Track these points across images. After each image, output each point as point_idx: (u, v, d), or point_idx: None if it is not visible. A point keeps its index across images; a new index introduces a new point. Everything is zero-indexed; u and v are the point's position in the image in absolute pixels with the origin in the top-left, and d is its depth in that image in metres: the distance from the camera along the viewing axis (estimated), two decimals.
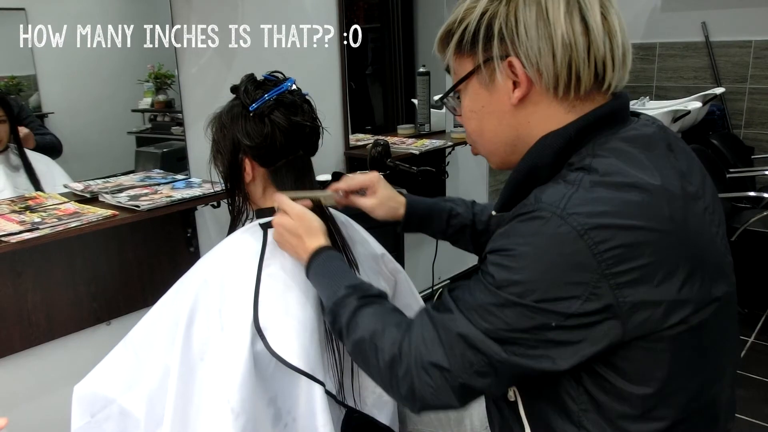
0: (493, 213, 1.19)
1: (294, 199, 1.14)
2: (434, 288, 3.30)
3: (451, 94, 0.95)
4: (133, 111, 2.26)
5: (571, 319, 0.75)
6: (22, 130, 1.94)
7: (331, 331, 1.02)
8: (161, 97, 2.24)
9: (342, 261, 1.09)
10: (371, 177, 1.27)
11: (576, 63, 0.81)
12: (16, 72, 1.93)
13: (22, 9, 1.88)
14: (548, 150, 0.84)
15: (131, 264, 2.07)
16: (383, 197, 1.26)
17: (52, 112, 2.01)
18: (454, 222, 1.29)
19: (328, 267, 1.06)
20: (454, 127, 3.17)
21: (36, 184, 1.95)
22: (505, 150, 0.91)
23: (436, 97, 3.21)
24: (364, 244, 1.35)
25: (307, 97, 1.22)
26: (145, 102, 2.25)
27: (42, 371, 1.93)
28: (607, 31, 0.82)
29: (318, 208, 1.19)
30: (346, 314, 0.97)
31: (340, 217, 1.31)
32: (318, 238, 1.09)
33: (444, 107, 1.02)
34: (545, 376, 0.81)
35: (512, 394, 0.92)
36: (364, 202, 1.26)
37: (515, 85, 0.85)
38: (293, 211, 1.11)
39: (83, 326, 1.98)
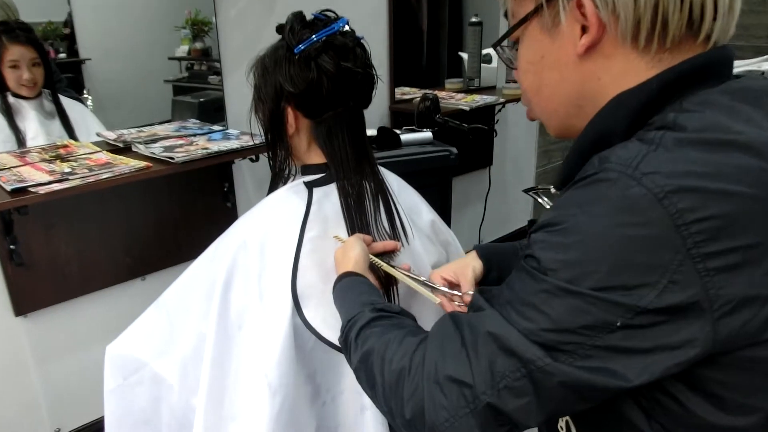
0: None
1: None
2: None
3: (507, 43, 0.78)
4: (170, 59, 2.19)
5: (641, 317, 0.56)
6: None
7: (345, 355, 0.88)
8: (198, 45, 2.16)
9: (369, 285, 0.96)
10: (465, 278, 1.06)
11: (664, 4, 0.63)
12: (54, 17, 1.87)
13: None
14: (623, 111, 0.66)
15: (166, 218, 2.00)
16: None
17: (89, 59, 1.95)
18: None
19: (349, 290, 0.94)
20: (506, 82, 2.99)
21: (70, 131, 1.90)
22: (566, 112, 0.73)
23: (485, 51, 3.03)
24: (418, 211, 1.23)
25: (361, 40, 1.08)
26: (182, 50, 2.18)
27: (77, 325, 1.89)
28: None
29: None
30: (357, 327, 0.83)
31: (394, 186, 1.19)
32: (347, 265, 0.98)
33: (499, 59, 0.84)
34: (605, 399, 0.62)
35: (563, 424, 0.75)
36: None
37: (584, 30, 0.67)
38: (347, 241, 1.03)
39: (118, 281, 1.94)
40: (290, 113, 1.08)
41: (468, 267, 1.04)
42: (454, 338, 0.67)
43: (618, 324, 0.57)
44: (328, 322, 1.01)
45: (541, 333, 0.60)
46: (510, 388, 0.61)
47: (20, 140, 1.80)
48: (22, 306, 1.75)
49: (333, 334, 1.01)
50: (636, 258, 0.56)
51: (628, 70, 0.67)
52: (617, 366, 0.58)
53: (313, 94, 1.04)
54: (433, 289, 1.00)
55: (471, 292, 0.99)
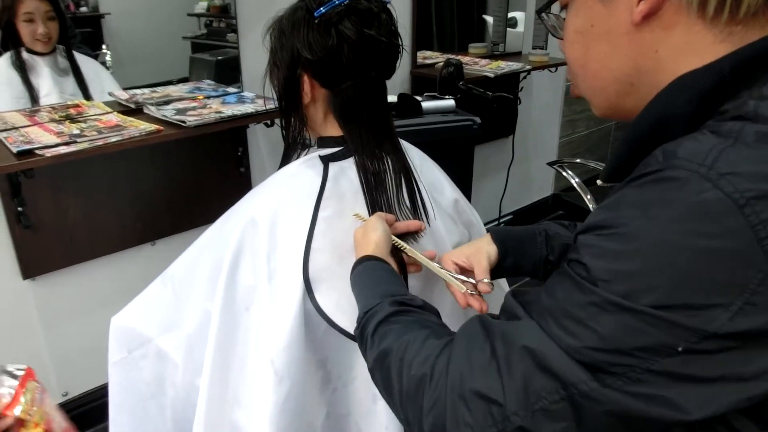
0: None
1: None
2: (500, 223, 3.13)
3: (554, 9, 0.70)
4: (189, 15, 2.11)
5: (708, 342, 0.49)
6: None
7: (360, 349, 0.81)
8: (217, 1, 2.09)
9: (390, 272, 0.88)
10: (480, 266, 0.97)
11: None
12: None
13: None
14: (687, 94, 0.57)
15: (178, 183, 1.94)
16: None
17: (109, 13, 1.89)
18: (556, 243, 0.99)
19: (368, 276, 0.87)
20: (533, 48, 2.87)
21: (84, 89, 1.84)
22: (615, 90, 0.65)
23: (511, 14, 2.91)
24: (440, 189, 1.16)
25: (387, 5, 0.99)
26: (202, 6, 2.10)
27: (85, 289, 1.86)
28: None
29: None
30: (375, 321, 0.76)
31: (416, 161, 1.12)
32: (367, 248, 0.91)
33: (543, 26, 0.75)
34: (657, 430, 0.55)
35: None
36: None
37: None
38: (369, 220, 0.95)
39: (127, 245, 1.90)
40: (306, 81, 1.00)
41: (482, 252, 0.96)
42: (484, 347, 0.60)
43: (680, 348, 0.49)
44: (341, 307, 0.95)
45: (586, 352, 0.52)
46: (546, 410, 0.54)
47: (33, 97, 1.75)
48: (30, 269, 1.72)
49: (346, 320, 0.95)
50: (707, 274, 0.48)
51: (691, 44, 0.58)
52: (674, 395, 0.51)
53: (332, 62, 0.96)
54: (453, 277, 0.93)
55: (486, 280, 0.91)
